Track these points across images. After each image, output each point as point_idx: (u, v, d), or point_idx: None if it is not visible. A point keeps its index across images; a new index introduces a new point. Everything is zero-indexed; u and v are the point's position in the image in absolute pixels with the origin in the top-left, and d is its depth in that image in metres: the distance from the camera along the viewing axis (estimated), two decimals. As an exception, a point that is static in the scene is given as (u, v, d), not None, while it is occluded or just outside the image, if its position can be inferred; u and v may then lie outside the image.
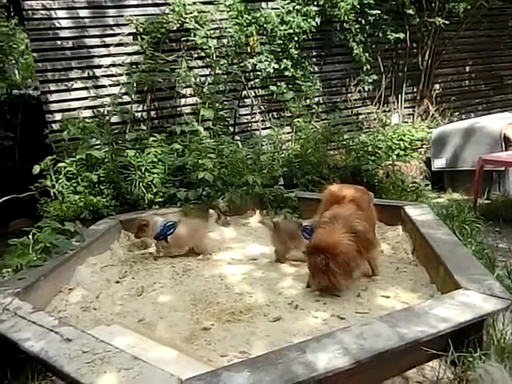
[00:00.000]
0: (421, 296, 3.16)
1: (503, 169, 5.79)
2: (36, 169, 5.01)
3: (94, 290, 3.45)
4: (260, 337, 2.72)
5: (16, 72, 11.50)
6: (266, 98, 6.92)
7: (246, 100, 6.81)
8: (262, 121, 6.86)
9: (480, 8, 7.27)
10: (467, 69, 8.57)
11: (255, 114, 6.83)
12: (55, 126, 5.85)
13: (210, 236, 4.45)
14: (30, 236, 3.56)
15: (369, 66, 7.03)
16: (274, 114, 7.00)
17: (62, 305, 3.23)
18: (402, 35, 7.11)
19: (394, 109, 7.81)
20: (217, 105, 6.14)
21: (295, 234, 3.87)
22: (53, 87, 5.91)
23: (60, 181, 4.99)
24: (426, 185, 6.22)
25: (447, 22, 7.05)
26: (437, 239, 3.48)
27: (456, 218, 4.22)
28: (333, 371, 2.00)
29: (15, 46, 7.79)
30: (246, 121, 6.87)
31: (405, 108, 7.88)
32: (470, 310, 2.44)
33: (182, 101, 6.44)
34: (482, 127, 6.27)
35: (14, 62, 9.92)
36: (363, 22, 6.91)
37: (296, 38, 6.57)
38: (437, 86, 8.16)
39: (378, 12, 6.89)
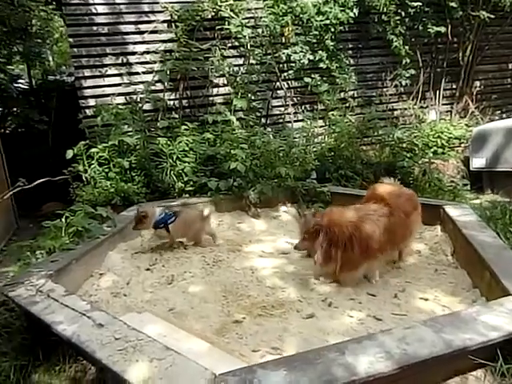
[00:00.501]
0: (462, 300, 3.00)
1: (548, 171, 5.50)
2: (69, 153, 5.05)
3: (125, 276, 3.43)
4: (293, 333, 2.62)
5: (51, 58, 11.69)
6: (299, 89, 6.79)
7: (278, 91, 6.70)
8: (294, 113, 6.73)
9: (527, 2, 6.90)
10: (510, 66, 8.19)
11: (288, 105, 6.70)
12: (89, 112, 5.89)
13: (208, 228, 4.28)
14: (63, 219, 3.55)
15: (408, 60, 6.80)
16: (307, 106, 6.87)
17: (92, 289, 3.22)
18: (443, 29, 6.82)
19: (432, 105, 7.54)
20: (249, 95, 6.04)
21: None
22: (87, 73, 5.94)
23: (92, 166, 5.01)
24: (465, 185, 5.96)
25: (492, 16, 6.73)
26: (481, 242, 3.30)
27: (499, 220, 4.01)
28: (374, 376, 1.89)
29: (51, 29, 7.85)
30: (278, 112, 6.76)
31: (442, 105, 7.60)
32: (521, 319, 2.28)
33: (215, 90, 6.38)
34: (526, 127, 5.97)
35: (48, 47, 10.06)
36: (403, 13, 6.66)
37: (332, 30, 6.40)
38: (477, 83, 7.83)
39: (419, 4, 6.62)
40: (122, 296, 3.11)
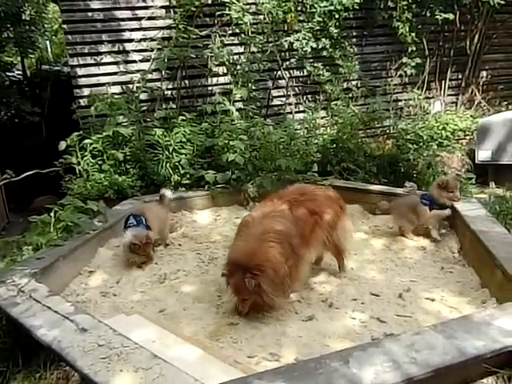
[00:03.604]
0: (471, 301, 2.84)
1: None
2: (62, 145, 4.87)
3: (115, 275, 3.27)
4: (292, 337, 2.47)
5: (49, 49, 11.50)
6: (301, 79, 6.58)
7: (280, 81, 6.49)
8: (296, 103, 6.53)
9: (538, -12, 6.66)
10: (518, 56, 7.96)
11: (289, 96, 6.50)
12: (83, 102, 5.70)
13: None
14: (52, 214, 3.38)
15: (414, 48, 6.57)
16: (309, 96, 6.66)
17: (80, 288, 3.06)
18: (451, 16, 6.55)
19: (437, 96, 7.32)
20: (250, 84, 5.83)
21: (415, 206, 3.80)
22: (82, 61, 5.76)
23: (85, 158, 4.83)
24: (470, 178, 5.76)
25: (502, 2, 6.47)
26: (491, 238, 3.13)
27: (509, 216, 3.83)
28: (381, 388, 1.73)
29: (45, 15, 7.65)
30: (279, 103, 6.56)
31: (448, 95, 7.38)
32: (539, 323, 2.11)
33: (214, 80, 6.18)
34: (534, 118, 5.78)
35: (46, 37, 9.87)
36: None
37: (336, 16, 6.14)
38: (484, 73, 7.60)
39: (427, -11, 6.40)
40: (112, 296, 2.96)
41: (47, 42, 11.54)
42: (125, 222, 3.50)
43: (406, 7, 6.36)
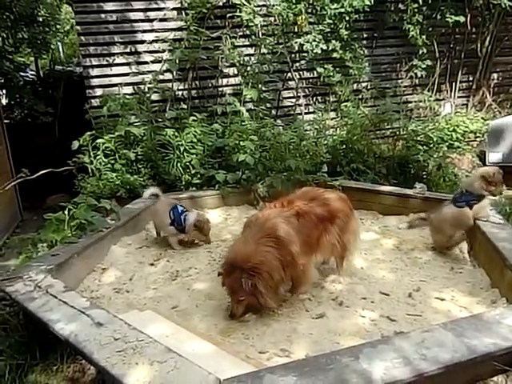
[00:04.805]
0: (481, 301, 2.86)
1: None
2: (75, 144, 4.95)
3: (128, 272, 3.32)
4: (302, 334, 2.50)
5: (60, 50, 11.63)
6: (311, 80, 6.60)
7: (290, 82, 6.52)
8: (306, 105, 6.56)
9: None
10: (529, 58, 7.91)
11: (299, 97, 6.53)
12: (95, 102, 5.78)
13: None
14: (66, 212, 3.44)
15: (425, 50, 6.57)
16: (319, 98, 6.68)
17: (94, 284, 3.12)
18: (462, 18, 6.55)
19: (447, 97, 7.30)
20: (260, 86, 5.87)
21: (454, 218, 3.49)
22: (95, 62, 5.83)
23: (98, 157, 4.90)
24: (481, 180, 5.74)
25: (514, 5, 6.46)
26: (501, 239, 3.14)
27: (519, 217, 3.83)
28: (391, 383, 1.76)
29: (58, 17, 7.74)
30: (289, 104, 6.58)
31: (458, 97, 7.36)
32: (548, 323, 2.12)
33: (225, 81, 6.22)
34: (546, 121, 5.75)
35: (58, 38, 9.99)
36: (420, 1, 6.42)
37: (347, 18, 6.19)
38: (495, 75, 7.56)
39: (438, -9, 6.40)
40: (125, 292, 3.00)
41: (59, 43, 11.70)
42: (172, 211, 3.74)
43: (416, 10, 6.37)
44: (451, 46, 7.13)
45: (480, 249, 3.39)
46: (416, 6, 6.34)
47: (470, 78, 7.40)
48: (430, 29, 6.75)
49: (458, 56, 7.19)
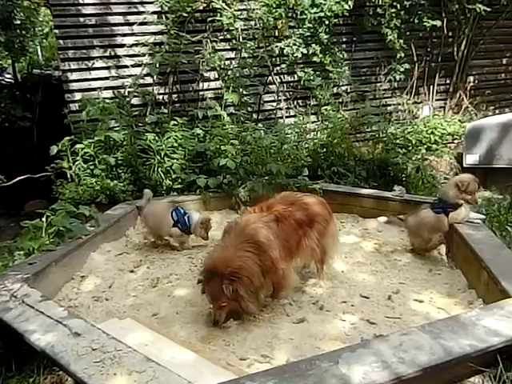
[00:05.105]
0: (458, 302, 2.91)
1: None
2: (53, 149, 4.85)
3: (107, 279, 3.28)
4: (283, 340, 2.51)
5: (39, 52, 11.46)
6: (291, 84, 6.65)
7: (271, 86, 6.54)
8: (286, 108, 6.59)
9: (524, -5, 6.82)
10: (504, 61, 8.10)
11: (280, 100, 6.56)
12: (74, 106, 5.69)
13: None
14: (44, 219, 3.39)
15: (402, 54, 6.68)
16: (300, 101, 6.73)
17: (72, 293, 3.07)
18: (438, 22, 6.69)
19: (425, 100, 7.43)
20: (241, 89, 5.88)
21: (431, 223, 3.52)
22: (73, 66, 5.75)
23: (77, 163, 4.83)
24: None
25: (488, 10, 6.61)
26: (478, 241, 3.20)
27: (495, 218, 3.91)
28: (370, 387, 1.78)
29: (35, 20, 7.62)
30: (270, 108, 6.61)
31: (436, 100, 7.50)
32: (523, 323, 2.17)
33: (206, 84, 6.22)
34: (521, 122, 5.89)
35: (37, 41, 9.85)
36: (398, 6, 6.52)
37: (327, 22, 6.23)
38: (471, 78, 7.73)
39: (415, -4, 6.51)
40: (104, 300, 2.97)
41: (38, 46, 11.52)
42: (175, 212, 3.83)
43: (394, 14, 6.46)
44: (428, 49, 7.26)
45: (457, 250, 3.45)
46: (394, 10, 6.44)
47: (448, 81, 7.55)
48: (408, 33, 6.85)
49: (436, 59, 7.33)
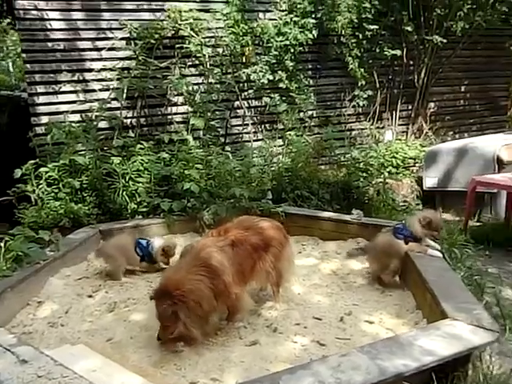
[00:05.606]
0: (406, 323, 3.04)
1: (495, 191, 5.70)
2: (17, 172, 4.84)
3: (64, 305, 3.28)
4: (234, 363, 2.57)
5: (11, 70, 11.38)
6: (258, 109, 6.82)
7: (238, 111, 6.70)
8: (253, 132, 6.75)
9: (478, 28, 7.23)
10: (462, 88, 8.54)
11: (247, 125, 6.72)
12: (40, 130, 5.68)
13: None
14: (2, 243, 3.38)
15: (364, 82, 6.98)
16: (267, 125, 6.89)
17: (28, 319, 3.06)
18: (398, 52, 7.06)
19: (388, 125, 7.73)
20: (208, 114, 6.00)
21: (387, 248, 3.60)
22: (40, 89, 5.76)
23: (40, 186, 4.82)
24: (417, 204, 6.11)
25: (444, 41, 6.99)
26: (425, 263, 3.37)
27: (446, 240, 4.09)
28: (306, 408, 1.87)
29: (3, 44, 7.62)
30: (237, 132, 6.75)
31: (399, 125, 7.80)
32: (456, 343, 2.32)
33: (173, 109, 6.32)
34: (476, 148, 6.20)
35: (9, 60, 9.80)
36: (360, 36, 6.84)
37: (292, 50, 6.49)
38: (432, 105, 8.11)
39: (376, 27, 6.84)
40: (59, 326, 2.97)
41: (10, 64, 11.43)
42: (138, 247, 3.92)
43: (355, 44, 6.76)
44: (390, 77, 7.59)
45: (408, 272, 3.60)
46: (355, 40, 6.74)
47: (410, 107, 7.87)
48: (370, 61, 7.16)
49: (397, 86, 7.66)
